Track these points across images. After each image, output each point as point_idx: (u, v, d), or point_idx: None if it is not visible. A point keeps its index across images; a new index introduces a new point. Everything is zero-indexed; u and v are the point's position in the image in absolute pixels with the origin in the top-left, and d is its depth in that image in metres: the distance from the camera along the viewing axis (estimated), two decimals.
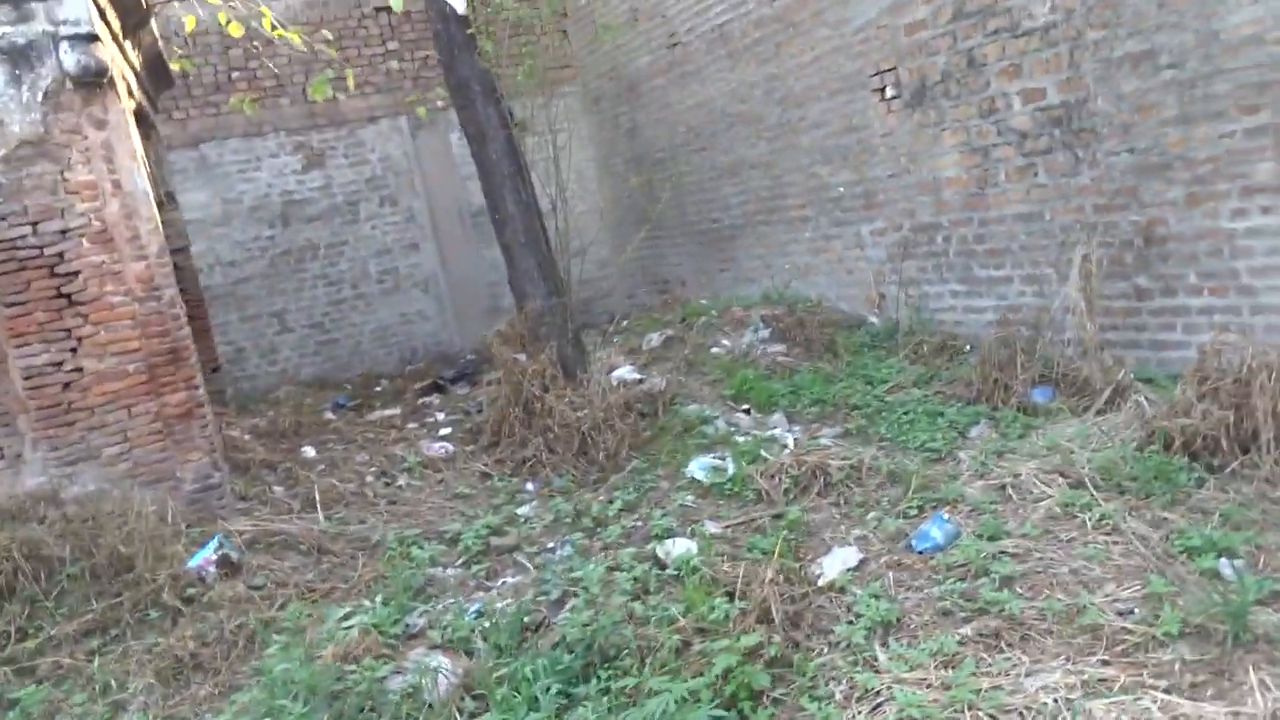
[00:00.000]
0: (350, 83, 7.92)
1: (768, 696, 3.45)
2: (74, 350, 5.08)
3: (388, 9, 10.62)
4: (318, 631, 4.35)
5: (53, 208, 4.99)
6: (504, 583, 4.75)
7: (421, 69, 11.01)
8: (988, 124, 6.36)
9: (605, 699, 3.42)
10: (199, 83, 10.12)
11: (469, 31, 7.03)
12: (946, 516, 4.39)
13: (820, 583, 4.11)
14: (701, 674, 3.47)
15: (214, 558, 4.83)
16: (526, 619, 4.22)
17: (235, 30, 6.77)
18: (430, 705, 3.75)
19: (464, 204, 11.38)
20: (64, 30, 4.92)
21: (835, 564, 4.22)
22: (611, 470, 5.80)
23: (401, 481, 6.12)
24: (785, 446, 5.64)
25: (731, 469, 5.45)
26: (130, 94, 6.10)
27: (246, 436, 6.61)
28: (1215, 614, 3.29)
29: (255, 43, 10.25)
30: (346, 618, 4.42)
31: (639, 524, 5.03)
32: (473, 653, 4.07)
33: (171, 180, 8.36)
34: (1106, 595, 3.66)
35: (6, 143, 4.87)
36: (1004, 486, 4.63)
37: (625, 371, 7.44)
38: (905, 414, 5.80)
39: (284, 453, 6.47)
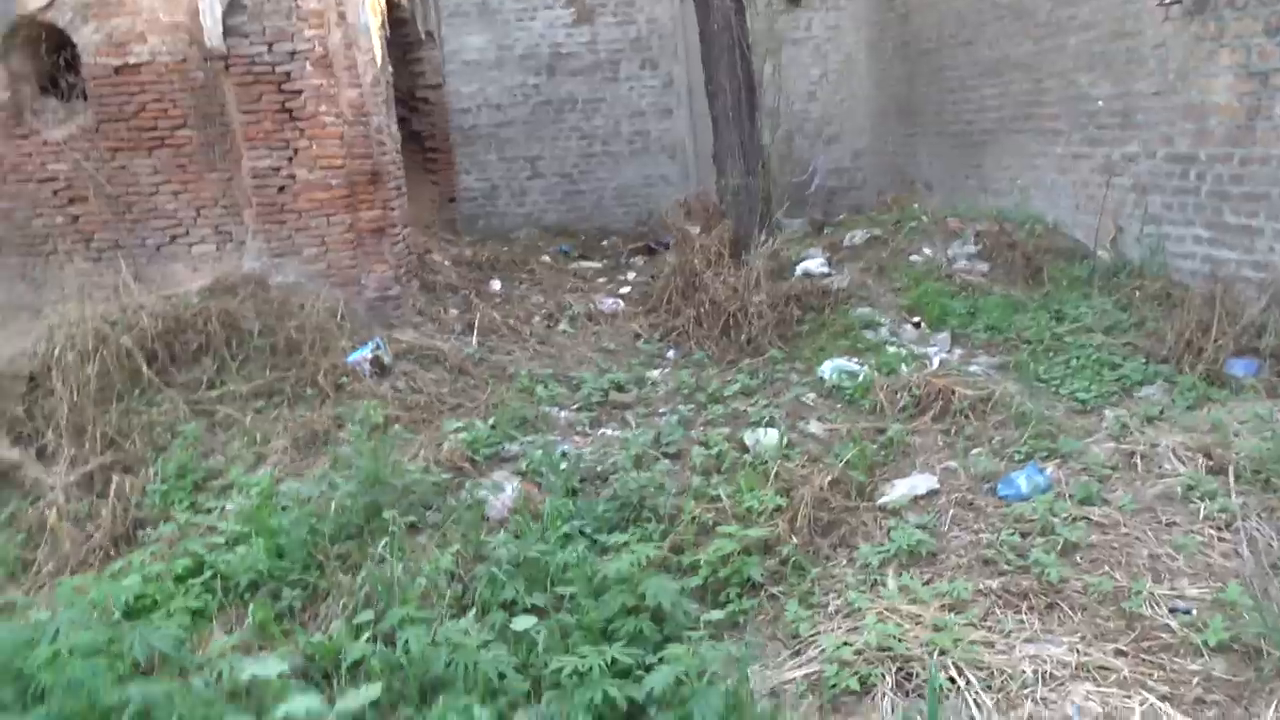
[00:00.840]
0: None
1: (764, 591, 3.47)
2: (290, 159, 5.80)
3: None
4: (433, 435, 4.87)
5: (285, 31, 5.63)
6: (603, 433, 5.00)
7: None
8: (1272, 44, 5.34)
9: (621, 552, 3.55)
10: None
11: None
12: (1042, 468, 4.03)
13: (879, 502, 3.98)
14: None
15: (369, 357, 5.47)
16: (599, 469, 4.46)
17: None
18: (485, 518, 4.15)
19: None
20: None
21: (903, 488, 4.04)
22: (750, 354, 5.79)
23: (563, 326, 6.49)
24: (928, 365, 5.35)
25: (862, 376, 5.27)
26: None
27: (447, 262, 7.24)
28: (1273, 638, 2.86)
29: None
30: (456, 430, 4.90)
31: (747, 408, 5.04)
32: (542, 485, 4.38)
33: (435, 21, 8.97)
34: (1171, 589, 3.26)
35: None
36: (1134, 454, 4.14)
37: (814, 264, 7.26)
38: (1076, 358, 5.26)
39: (473, 282, 7.04)
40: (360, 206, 5.93)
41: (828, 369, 5.40)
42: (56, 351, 5.12)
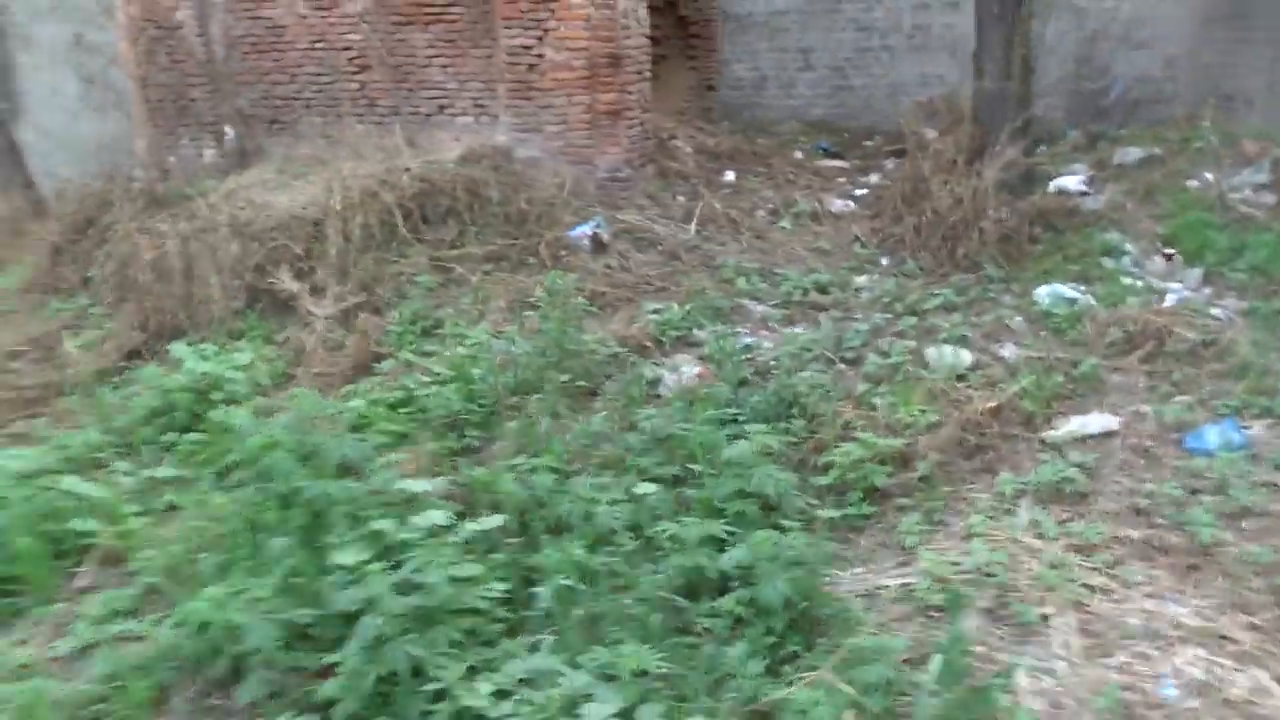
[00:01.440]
0: None
1: (890, 502, 3.51)
2: (540, 38, 6.17)
3: None
4: (629, 312, 5.21)
5: None
6: (792, 330, 5.08)
7: None
8: None
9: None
10: None
11: None
12: (1243, 426, 3.66)
13: (1043, 434, 3.81)
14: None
15: (589, 233, 5.85)
16: (772, 363, 4.59)
17: None
18: (656, 395, 4.44)
19: None
20: None
21: (1075, 425, 3.84)
22: (966, 269, 5.56)
23: (783, 222, 6.53)
24: (1159, 301, 4.90)
25: (1078, 304, 4.93)
26: None
27: (688, 150, 7.42)
28: None
29: None
30: (653, 311, 5.20)
31: (944, 324, 4.90)
32: (716, 373, 4.59)
33: None
34: None
35: None
36: None
37: (1071, 180, 6.71)
38: None
39: (708, 172, 7.19)
40: (599, 88, 6.23)
41: (1043, 293, 5.09)
42: (334, 203, 5.92)
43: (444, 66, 6.59)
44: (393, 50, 6.61)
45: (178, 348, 5.00)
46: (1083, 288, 5.18)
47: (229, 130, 7.06)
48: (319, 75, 6.83)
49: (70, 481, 3.83)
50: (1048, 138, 9.22)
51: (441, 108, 6.70)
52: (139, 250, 5.84)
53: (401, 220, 5.90)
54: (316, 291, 5.65)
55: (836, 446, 3.70)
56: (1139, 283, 5.22)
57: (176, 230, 5.82)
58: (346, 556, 2.84)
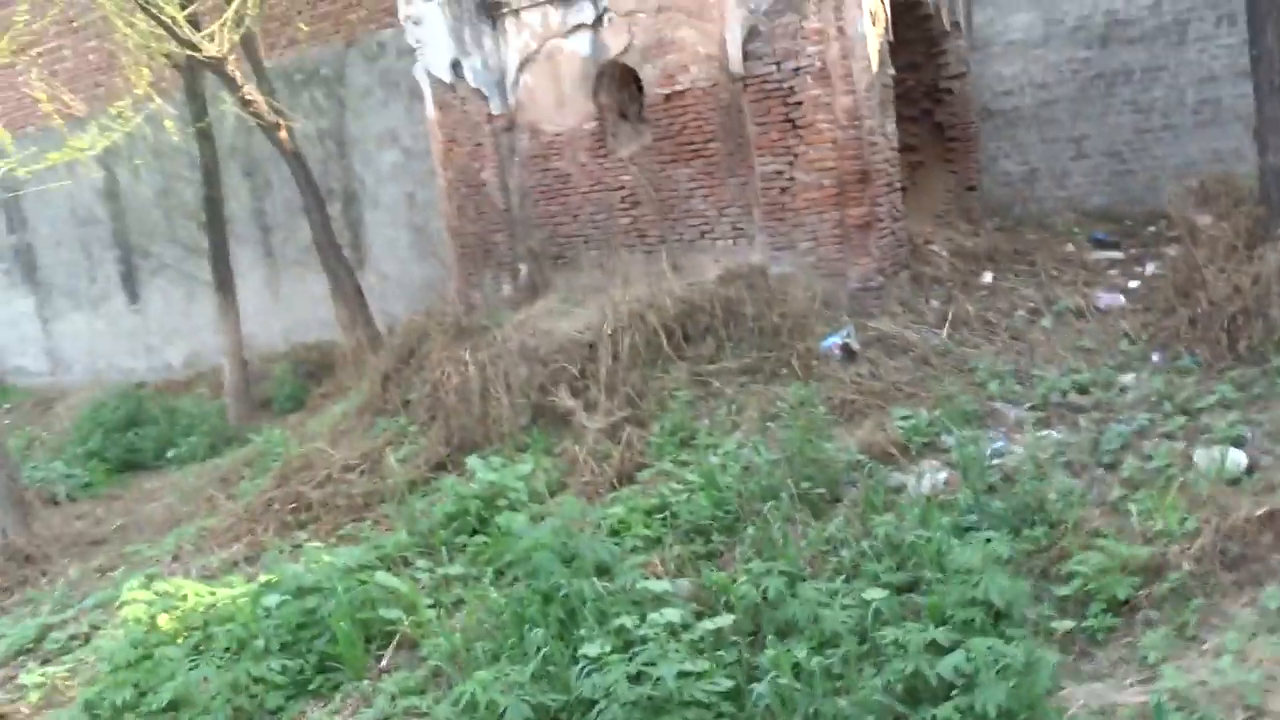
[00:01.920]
0: None
1: (1139, 614, 3.35)
2: (791, 163, 6.59)
3: None
4: (878, 419, 5.34)
5: (791, 50, 6.40)
6: (1047, 434, 4.95)
7: None
8: None
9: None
10: None
11: None
12: None
13: None
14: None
15: (840, 344, 6.06)
16: (1022, 468, 4.51)
17: None
18: (900, 502, 4.51)
19: None
20: None
21: None
22: (1249, 363, 5.12)
23: (1044, 321, 6.35)
24: None
25: None
26: None
27: (944, 253, 7.44)
28: None
29: None
30: (902, 418, 5.29)
31: (1219, 423, 4.57)
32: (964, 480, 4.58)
33: (961, 11, 9.00)
34: None
35: (766, 1, 6.35)
36: None
37: None
38: None
39: (965, 274, 7.16)
40: (849, 204, 6.51)
41: None
42: (605, 327, 6.60)
43: (705, 196, 7.17)
44: (659, 186, 7.31)
45: (473, 460, 5.76)
46: None
47: (522, 267, 8.07)
48: (596, 214, 7.67)
49: (382, 576, 4.56)
50: None
51: (703, 234, 7.26)
52: (448, 376, 6.80)
53: (665, 339, 6.43)
54: (589, 407, 6.27)
55: (1079, 555, 3.59)
56: None
57: (476, 358, 6.72)
58: (592, 648, 3.22)
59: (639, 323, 6.54)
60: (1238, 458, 4.17)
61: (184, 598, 4.85)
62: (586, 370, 6.55)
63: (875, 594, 3.44)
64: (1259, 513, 3.57)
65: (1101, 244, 8.93)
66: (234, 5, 9.92)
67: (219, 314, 11.76)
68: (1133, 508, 3.85)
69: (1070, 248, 8.59)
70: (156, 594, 4.89)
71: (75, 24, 14.32)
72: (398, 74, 14.31)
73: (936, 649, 3.08)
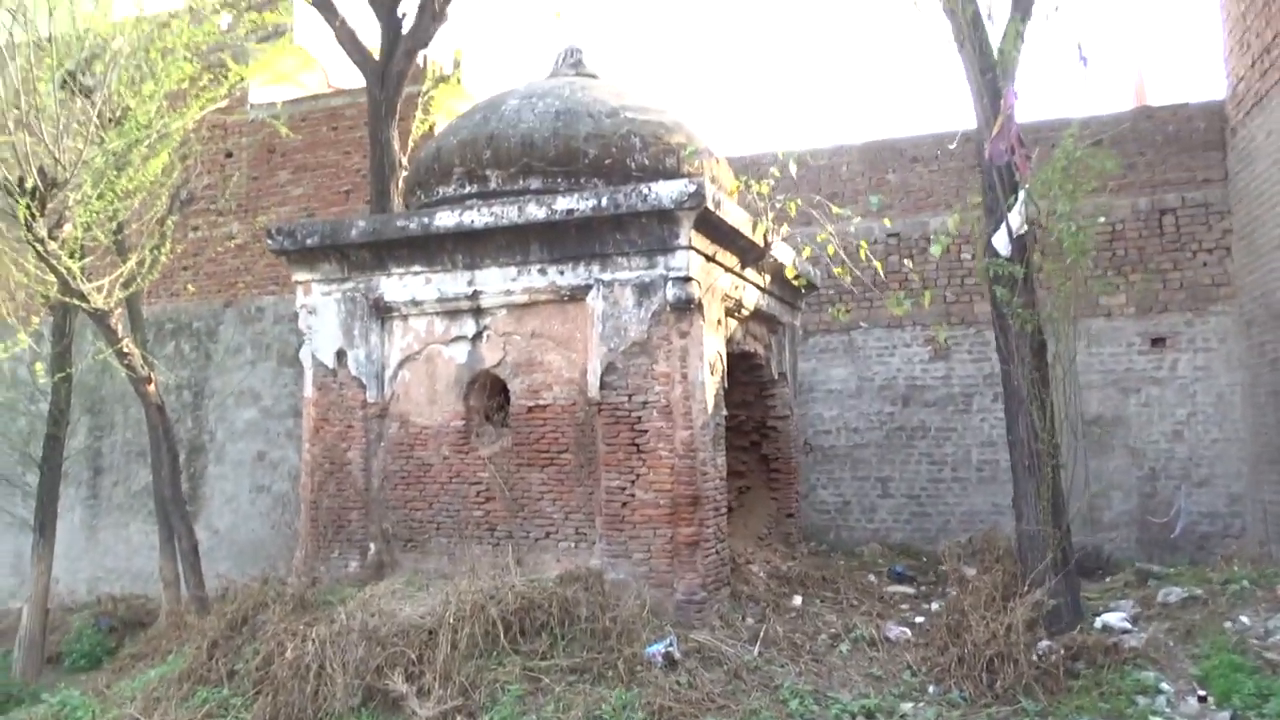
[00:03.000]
0: (926, 300, 9.20)
1: None
2: (633, 481, 7.45)
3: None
4: None
5: (641, 386, 7.47)
6: None
7: None
8: None
9: None
10: (858, 281, 12.34)
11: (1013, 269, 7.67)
12: None
13: None
14: None
15: (662, 651, 6.62)
16: None
17: (830, 251, 8.64)
18: None
19: (1076, 411, 11.46)
20: (672, 274, 7.40)
21: None
22: (1003, 700, 5.99)
23: (842, 647, 7.14)
24: None
25: None
26: (731, 308, 8.44)
27: (762, 575, 8.30)
28: None
29: (908, 254, 12.19)
30: None
31: None
32: None
33: (789, 364, 10.58)
34: None
35: (625, 343, 7.50)
36: None
37: (1115, 617, 7.22)
38: None
39: (777, 596, 7.99)
40: (680, 523, 7.34)
41: None
42: (448, 614, 6.95)
43: (553, 500, 7.88)
44: (513, 486, 8.00)
45: None
46: None
47: (372, 546, 8.40)
48: (451, 504, 8.22)
49: None
50: (1111, 571, 9.76)
51: (548, 534, 7.89)
52: (283, 648, 6.89)
53: (503, 632, 6.81)
54: (422, 693, 6.47)
55: None
56: None
57: (316, 633, 6.88)
58: None
59: (480, 613, 6.92)
60: None
61: None
62: (424, 655, 6.79)
63: None
64: None
65: (900, 578, 10.07)
66: (129, 264, 10.53)
67: (32, 554, 11.27)
68: None
69: (872, 578, 9.65)
70: None
71: None
72: (271, 337, 15.00)
73: None
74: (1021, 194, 7.51)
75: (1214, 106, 11.53)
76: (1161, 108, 11.90)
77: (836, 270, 8.75)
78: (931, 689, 6.40)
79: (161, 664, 8.26)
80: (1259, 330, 10.36)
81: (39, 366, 10.60)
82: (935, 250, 7.83)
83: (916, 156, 12.60)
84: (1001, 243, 7.62)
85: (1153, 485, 11.22)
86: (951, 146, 10.28)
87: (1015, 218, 7.53)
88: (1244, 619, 6.77)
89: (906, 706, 6.13)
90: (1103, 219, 11.51)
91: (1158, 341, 11.40)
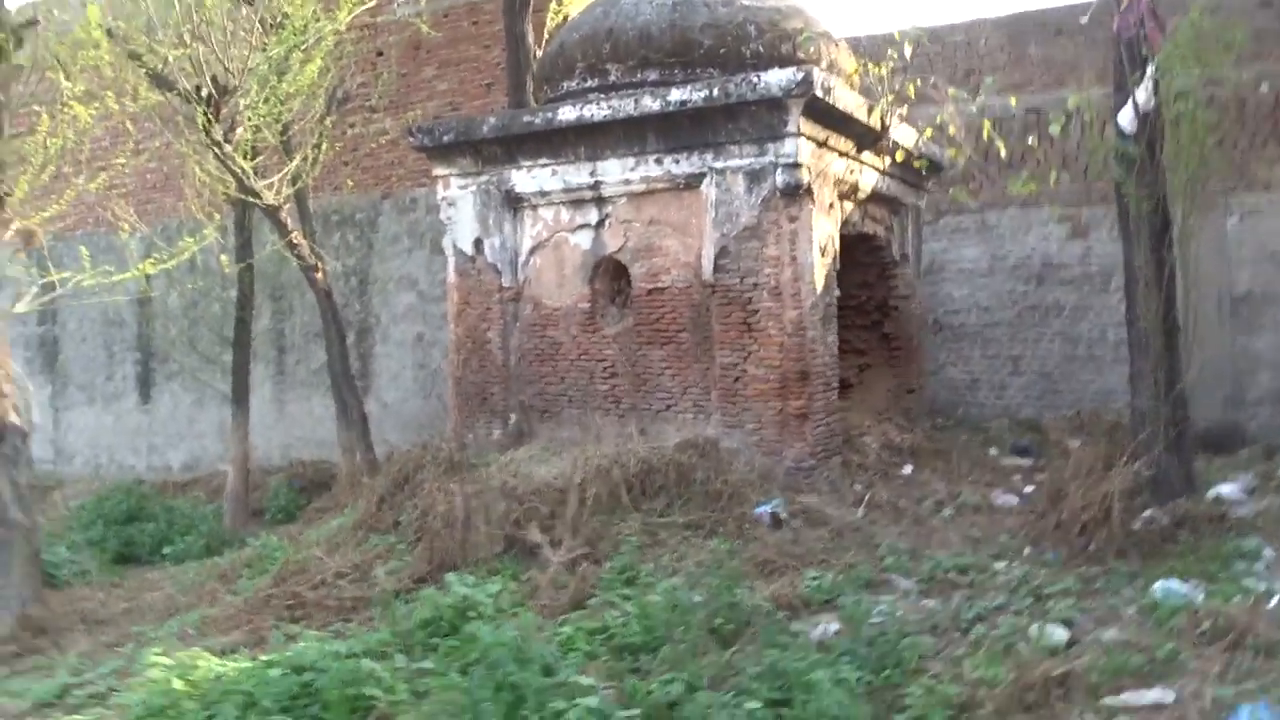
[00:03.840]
0: (1053, 179, 9.00)
1: None
2: (745, 358, 7.92)
3: None
4: (791, 578, 6.42)
5: (753, 269, 7.85)
6: (925, 604, 6.03)
7: None
8: None
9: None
10: (994, 159, 12.03)
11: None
12: (1270, 709, 4.20)
13: (1103, 701, 4.52)
14: None
15: (770, 511, 7.20)
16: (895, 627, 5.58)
17: (952, 131, 8.60)
18: (802, 652, 5.55)
19: (1225, 289, 11.03)
20: (781, 161, 7.64)
21: (1131, 696, 4.52)
22: (1094, 561, 6.27)
23: (947, 512, 7.52)
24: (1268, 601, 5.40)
25: (1198, 601, 5.53)
26: (845, 192, 8.59)
27: (875, 445, 8.69)
28: None
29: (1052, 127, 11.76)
30: (812, 578, 6.37)
31: (1061, 607, 5.66)
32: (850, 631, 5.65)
33: (912, 245, 10.60)
34: None
35: (737, 228, 7.86)
36: None
37: (1228, 488, 7.27)
38: None
39: (887, 465, 8.38)
40: (790, 396, 7.80)
41: (1159, 588, 5.72)
42: (576, 476, 7.74)
43: (672, 375, 8.47)
44: (635, 362, 8.62)
45: (450, 576, 6.78)
46: (1203, 586, 5.75)
47: (512, 416, 9.28)
48: (580, 379, 8.95)
49: (367, 662, 5.52)
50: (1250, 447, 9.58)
51: (668, 406, 8.52)
52: (436, 503, 7.88)
53: (625, 492, 7.56)
54: (555, 543, 7.33)
55: (914, 691, 4.63)
56: (1262, 585, 5.70)
57: (463, 490, 7.83)
58: None
59: (605, 475, 7.68)
60: (1059, 633, 5.25)
61: (197, 666, 5.77)
62: (556, 511, 7.64)
63: (752, 705, 4.47)
64: (1055, 672, 4.64)
65: (1022, 451, 10.22)
66: (294, 163, 11.55)
67: (232, 423, 12.84)
68: (968, 662, 4.91)
69: (993, 451, 9.88)
70: (172, 661, 5.82)
71: (138, 146, 16.07)
72: (425, 227, 16.02)
73: None
74: (1149, 69, 7.25)
75: None
76: None
77: (951, 152, 8.71)
78: (1027, 550, 6.73)
79: (340, 516, 9.53)
80: None
81: (224, 259, 11.85)
82: (1054, 129, 7.69)
83: (1060, 28, 11.98)
84: (1127, 120, 7.42)
85: None
86: (1083, 20, 9.78)
87: (1142, 94, 7.30)
88: None
89: (999, 565, 6.50)
90: (1265, 86, 10.79)
91: None
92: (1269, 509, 6.80)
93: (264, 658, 5.79)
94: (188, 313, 17.14)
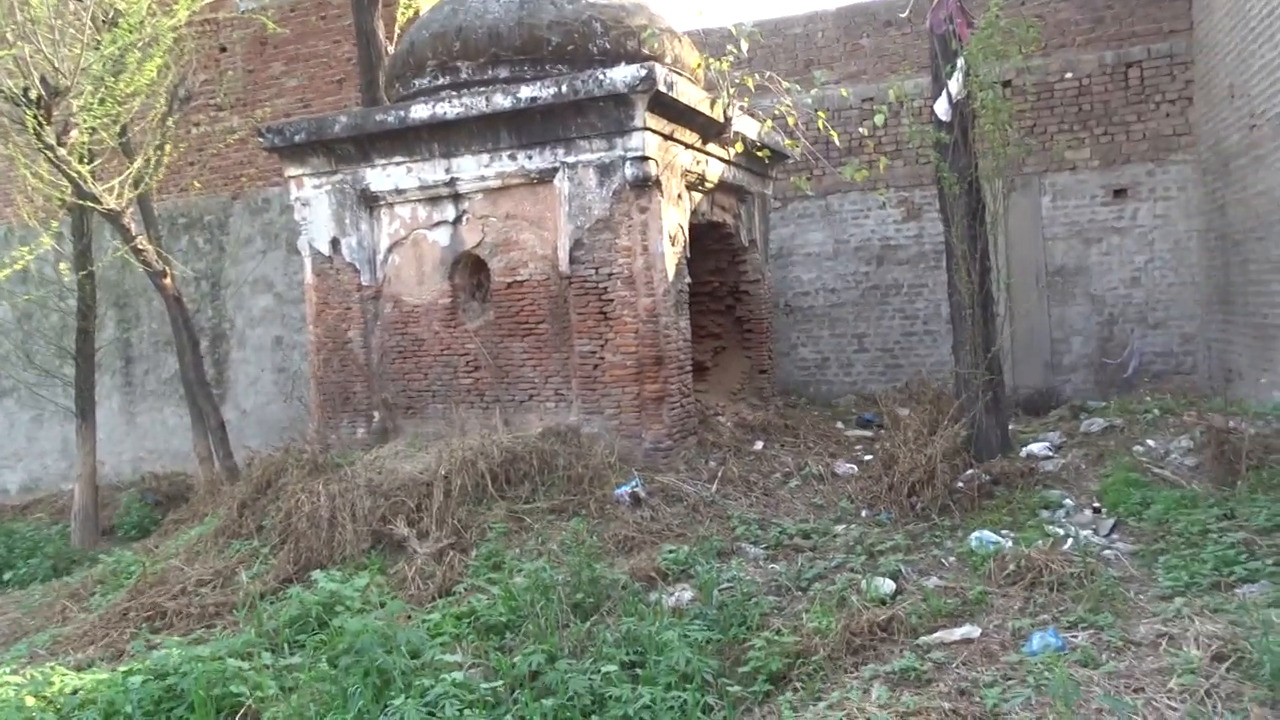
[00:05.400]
0: (882, 165, 9.69)
1: (787, 682, 4.80)
2: (602, 346, 8.23)
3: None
4: (649, 552, 6.76)
5: (606, 260, 8.16)
6: (771, 567, 6.49)
7: None
8: None
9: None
10: (834, 147, 12.74)
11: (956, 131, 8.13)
12: (1061, 635, 4.80)
13: (919, 639, 5.03)
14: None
15: (629, 491, 7.53)
16: (744, 590, 6.00)
17: (790, 122, 9.13)
18: (657, 618, 5.89)
19: (1040, 264, 12.04)
20: (629, 155, 7.97)
21: (943, 634, 5.05)
22: (921, 519, 6.88)
23: (794, 483, 8.04)
24: (1063, 544, 6.08)
25: (1006, 547, 6.15)
26: (693, 182, 9.01)
27: (729, 424, 9.16)
28: None
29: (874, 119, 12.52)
30: (669, 551, 6.73)
31: (890, 562, 6.21)
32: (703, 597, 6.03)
33: (759, 232, 11.16)
34: None
35: (590, 220, 8.15)
36: (1162, 636, 4.71)
37: (1039, 446, 8.03)
38: (1198, 549, 5.66)
39: (740, 442, 8.86)
40: (646, 381, 8.15)
41: (974, 538, 6.35)
42: (441, 469, 7.88)
43: (534, 366, 8.70)
44: (497, 355, 8.81)
45: (317, 574, 6.84)
46: (1012, 534, 6.41)
47: (376, 414, 9.32)
48: (443, 374, 9.07)
49: (233, 662, 5.56)
50: (1061, 408, 10.52)
51: (530, 396, 8.75)
52: (301, 504, 7.89)
53: (490, 482, 7.77)
54: (421, 536, 7.47)
55: (755, 644, 5.05)
56: (1061, 530, 6.41)
57: (328, 490, 7.86)
58: (397, 702, 4.42)
59: (469, 467, 7.87)
60: (887, 585, 5.78)
61: (51, 682, 5.67)
62: (422, 504, 7.77)
63: (609, 668, 4.78)
64: (881, 619, 5.14)
65: (867, 423, 10.90)
66: (135, 165, 11.17)
67: (77, 438, 12.35)
68: (805, 616, 5.36)
69: (840, 425, 10.50)
70: (23, 679, 5.70)
71: None
72: (279, 227, 15.69)
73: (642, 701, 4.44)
74: (960, 61, 7.91)
75: None
76: None
77: (788, 143, 9.24)
78: (864, 513, 7.30)
79: (200, 525, 9.36)
80: (1211, 178, 10.77)
81: (63, 266, 11.37)
82: (878, 119, 8.31)
83: (890, 20, 12.77)
84: (942, 109, 8.09)
85: (1110, 330, 11.87)
86: (904, 15, 10.51)
87: (954, 85, 7.97)
88: (1150, 443, 7.55)
89: (839, 529, 7.04)
90: (1069, 75, 11.81)
91: (1119, 193, 11.82)
92: (1070, 463, 7.57)
93: (123, 668, 5.74)
94: (21, 324, 16.26)
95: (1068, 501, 6.91)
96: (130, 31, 10.45)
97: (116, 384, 16.28)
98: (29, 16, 9.56)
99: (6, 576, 10.90)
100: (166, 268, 11.50)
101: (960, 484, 7.15)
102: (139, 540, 11.62)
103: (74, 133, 10.46)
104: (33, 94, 9.63)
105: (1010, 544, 6.22)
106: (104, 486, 13.56)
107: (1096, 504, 6.77)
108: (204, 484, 11.60)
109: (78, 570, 10.28)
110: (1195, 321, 11.49)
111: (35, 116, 9.56)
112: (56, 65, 9.81)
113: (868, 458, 8.77)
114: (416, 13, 13.75)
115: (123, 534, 12.68)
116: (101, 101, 10.32)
